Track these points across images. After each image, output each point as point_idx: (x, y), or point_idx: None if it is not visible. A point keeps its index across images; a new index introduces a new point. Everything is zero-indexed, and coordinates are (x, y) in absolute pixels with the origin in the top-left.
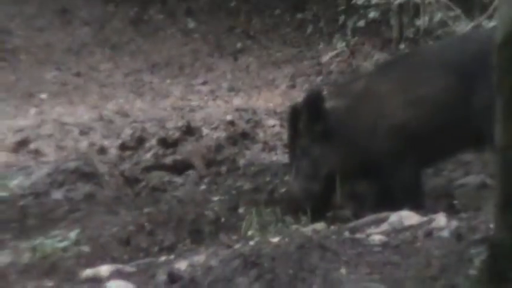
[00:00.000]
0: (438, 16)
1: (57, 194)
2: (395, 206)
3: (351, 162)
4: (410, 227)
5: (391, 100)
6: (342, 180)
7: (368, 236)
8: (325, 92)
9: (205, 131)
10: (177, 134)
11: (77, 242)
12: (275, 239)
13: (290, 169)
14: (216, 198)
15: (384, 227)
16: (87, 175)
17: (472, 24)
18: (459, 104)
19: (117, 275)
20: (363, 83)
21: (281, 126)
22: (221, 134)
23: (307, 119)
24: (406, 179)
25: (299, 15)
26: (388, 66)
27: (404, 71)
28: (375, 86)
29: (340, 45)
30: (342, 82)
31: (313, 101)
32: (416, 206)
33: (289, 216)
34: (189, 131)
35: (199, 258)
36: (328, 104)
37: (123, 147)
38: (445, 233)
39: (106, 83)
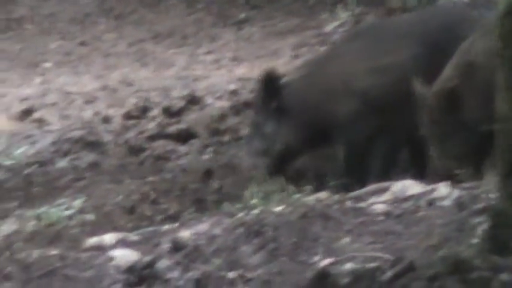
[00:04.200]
0: None
1: (62, 163)
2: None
3: (304, 134)
4: (413, 196)
5: (354, 66)
6: (295, 155)
7: (371, 205)
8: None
9: (208, 100)
10: (180, 104)
11: (81, 211)
12: (278, 208)
13: (246, 141)
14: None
15: (387, 196)
16: (92, 144)
17: None
18: (423, 74)
19: (122, 243)
20: (323, 54)
21: None
22: (225, 104)
23: (262, 96)
24: (357, 145)
25: None
26: (355, 35)
27: (371, 40)
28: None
29: (344, 14)
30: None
31: (268, 78)
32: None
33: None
34: (193, 100)
35: (203, 226)
36: (287, 78)
37: (127, 116)
38: (447, 203)
39: (110, 52)
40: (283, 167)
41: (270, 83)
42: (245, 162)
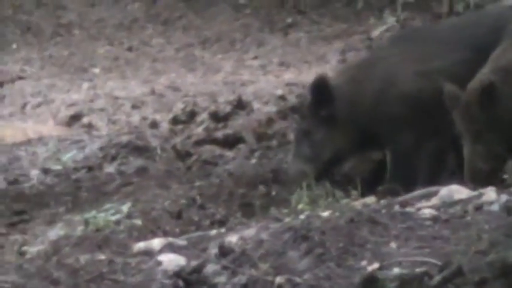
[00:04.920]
0: None
1: (110, 168)
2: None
3: (352, 140)
4: (460, 201)
5: (402, 69)
6: (343, 161)
7: (418, 210)
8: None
9: (256, 105)
10: (228, 108)
11: (129, 216)
12: (325, 213)
13: (293, 147)
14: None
15: (434, 201)
16: (139, 149)
17: None
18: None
19: (169, 248)
20: (366, 58)
21: None
22: (272, 108)
23: (313, 104)
24: (404, 149)
25: None
26: (401, 38)
27: (418, 44)
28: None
29: (390, 20)
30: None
31: (319, 85)
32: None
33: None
34: (240, 105)
35: (250, 231)
36: (334, 83)
37: (174, 121)
38: (495, 207)
39: (158, 57)
40: (330, 172)
41: (322, 90)
42: (292, 169)
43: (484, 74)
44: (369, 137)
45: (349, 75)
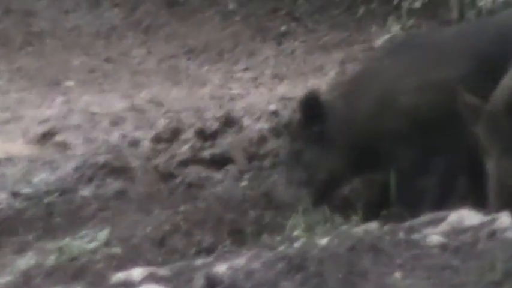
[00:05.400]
0: None
1: (85, 191)
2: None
3: (349, 160)
4: (472, 227)
5: (402, 82)
6: (340, 183)
7: (425, 236)
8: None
9: (246, 122)
10: (215, 125)
11: (106, 243)
12: (323, 240)
13: (284, 170)
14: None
15: (443, 227)
16: (118, 170)
17: None
18: (476, 90)
19: (151, 279)
20: (362, 70)
21: None
22: (264, 125)
23: (303, 121)
24: (409, 166)
25: None
26: (398, 47)
27: (418, 54)
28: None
29: (395, 28)
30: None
31: (308, 101)
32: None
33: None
34: (229, 122)
35: (240, 261)
36: (325, 98)
37: (157, 139)
38: (510, 234)
39: (138, 69)
40: (328, 195)
41: (312, 106)
42: (285, 193)
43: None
44: (368, 157)
45: (341, 89)
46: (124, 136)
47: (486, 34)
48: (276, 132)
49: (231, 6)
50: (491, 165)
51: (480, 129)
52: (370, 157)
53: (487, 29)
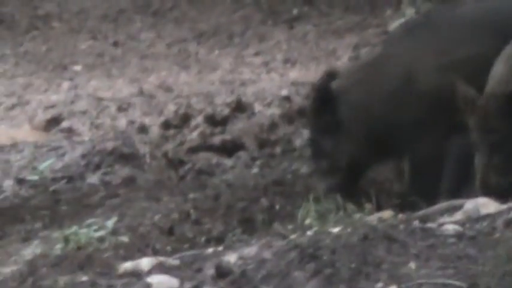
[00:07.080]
0: None
1: (93, 178)
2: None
3: (366, 148)
4: (488, 216)
5: (421, 64)
6: (363, 169)
7: (440, 225)
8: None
9: (257, 107)
10: (226, 111)
11: (114, 232)
12: (335, 229)
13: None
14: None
15: (459, 215)
16: (126, 157)
17: None
18: None
19: (159, 268)
20: (377, 53)
21: None
22: (275, 111)
23: (316, 108)
24: (430, 153)
25: None
26: (411, 28)
27: (436, 33)
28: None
29: (410, 11)
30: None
31: (320, 91)
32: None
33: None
34: (240, 107)
35: (251, 250)
36: (338, 84)
37: (166, 125)
38: None
39: (147, 53)
40: (356, 183)
41: (326, 92)
42: (319, 185)
43: (505, 76)
44: (384, 144)
45: (356, 74)
46: (132, 122)
47: (510, 8)
48: (287, 118)
49: None
50: (478, 161)
51: (472, 123)
52: (387, 145)
53: (510, 3)
